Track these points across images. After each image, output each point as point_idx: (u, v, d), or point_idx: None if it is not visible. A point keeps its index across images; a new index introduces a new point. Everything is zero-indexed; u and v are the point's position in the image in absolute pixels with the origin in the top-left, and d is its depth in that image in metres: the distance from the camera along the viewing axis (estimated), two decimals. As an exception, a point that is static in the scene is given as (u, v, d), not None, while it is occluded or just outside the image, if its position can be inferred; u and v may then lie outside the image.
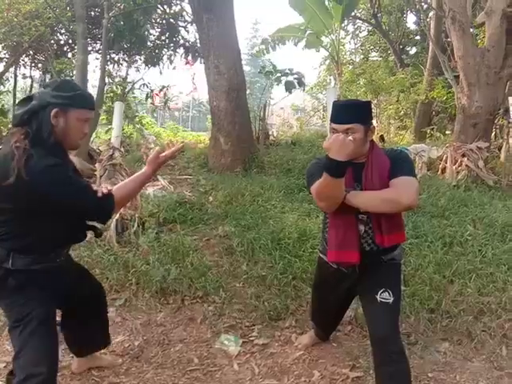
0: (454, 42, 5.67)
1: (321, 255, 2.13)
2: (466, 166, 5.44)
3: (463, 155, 5.53)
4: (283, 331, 2.67)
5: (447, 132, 10.83)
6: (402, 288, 2.93)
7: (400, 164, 1.82)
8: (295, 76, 6.75)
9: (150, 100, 10.31)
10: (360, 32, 16.79)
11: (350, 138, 1.66)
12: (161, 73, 9.30)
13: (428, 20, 10.79)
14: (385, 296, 1.85)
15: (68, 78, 8.03)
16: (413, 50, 15.67)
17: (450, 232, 3.81)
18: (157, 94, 10.24)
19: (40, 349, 1.64)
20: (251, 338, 2.60)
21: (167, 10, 8.37)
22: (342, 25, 12.15)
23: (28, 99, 1.67)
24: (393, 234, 1.84)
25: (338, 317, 2.40)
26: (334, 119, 1.84)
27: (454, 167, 5.55)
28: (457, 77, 7.29)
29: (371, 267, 1.92)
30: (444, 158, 5.81)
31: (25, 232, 1.63)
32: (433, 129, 10.97)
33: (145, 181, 1.85)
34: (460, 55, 5.60)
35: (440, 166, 5.90)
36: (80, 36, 5.40)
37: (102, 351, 2.32)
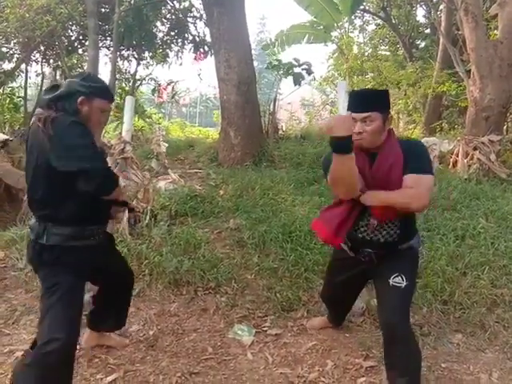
0: (466, 35, 5.60)
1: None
2: (478, 159, 5.39)
3: (475, 148, 5.48)
4: (296, 322, 2.69)
5: (456, 126, 10.72)
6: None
7: (415, 158, 1.78)
8: (303, 67, 6.71)
9: (156, 94, 10.35)
10: (367, 25, 16.66)
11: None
12: (169, 68, 9.32)
13: (438, 13, 10.66)
14: (398, 280, 1.86)
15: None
16: (422, 44, 15.51)
17: (462, 225, 3.79)
18: (164, 89, 10.27)
19: (62, 316, 1.73)
20: (264, 329, 2.62)
21: (176, 6, 8.37)
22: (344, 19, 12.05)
23: (56, 86, 1.84)
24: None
25: (349, 301, 2.42)
26: (352, 108, 1.83)
27: (465, 160, 5.51)
28: (468, 70, 7.22)
29: (388, 255, 1.94)
30: (455, 152, 5.76)
31: (57, 202, 1.75)
32: (442, 123, 10.87)
33: None
34: (472, 47, 5.53)
35: (451, 159, 5.85)
36: (91, 31, 5.44)
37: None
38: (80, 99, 1.76)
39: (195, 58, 9.56)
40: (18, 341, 2.45)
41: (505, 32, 5.42)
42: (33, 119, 1.80)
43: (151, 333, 2.58)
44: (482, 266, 3.13)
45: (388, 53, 15.45)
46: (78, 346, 2.25)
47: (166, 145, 5.59)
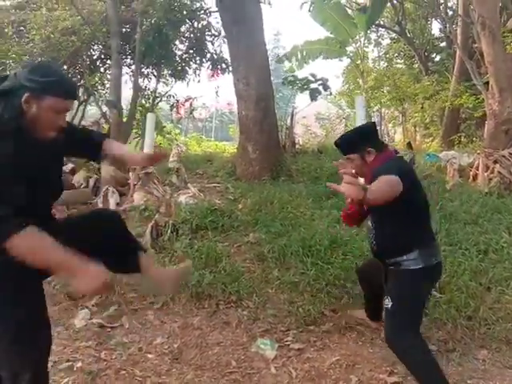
0: (484, 48, 5.61)
1: None
2: (499, 172, 5.34)
3: (495, 162, 5.43)
4: (319, 336, 2.69)
5: (474, 139, 10.59)
6: (438, 295, 2.94)
7: (377, 171, 1.96)
8: (319, 82, 6.80)
9: (174, 110, 10.58)
10: (382, 40, 16.76)
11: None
12: (187, 85, 9.54)
13: (454, 27, 10.68)
14: (386, 302, 2.08)
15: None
16: (438, 57, 15.48)
17: (485, 239, 3.76)
18: (182, 105, 10.50)
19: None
20: (287, 343, 2.63)
21: (195, 25, 8.60)
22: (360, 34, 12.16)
23: (1, 79, 1.49)
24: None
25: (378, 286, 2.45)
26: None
27: (485, 174, 5.45)
28: (486, 83, 7.19)
29: (384, 264, 2.19)
30: (475, 165, 5.72)
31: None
32: (460, 136, 10.78)
33: None
34: (490, 61, 5.53)
35: (471, 173, 5.80)
36: (114, 50, 5.64)
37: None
38: (25, 97, 1.40)
39: (212, 75, 9.77)
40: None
41: (523, 45, 5.42)
42: None
43: (175, 346, 2.62)
44: (507, 281, 3.10)
45: (403, 66, 15.48)
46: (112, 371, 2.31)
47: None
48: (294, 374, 2.34)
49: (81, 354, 2.45)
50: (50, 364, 2.35)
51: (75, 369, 2.32)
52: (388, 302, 2.05)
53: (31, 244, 1.34)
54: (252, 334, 2.73)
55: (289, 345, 2.61)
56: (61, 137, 1.57)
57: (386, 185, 1.79)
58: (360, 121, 5.29)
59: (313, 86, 6.68)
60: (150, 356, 2.50)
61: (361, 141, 2.17)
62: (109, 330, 2.79)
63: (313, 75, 6.71)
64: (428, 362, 1.97)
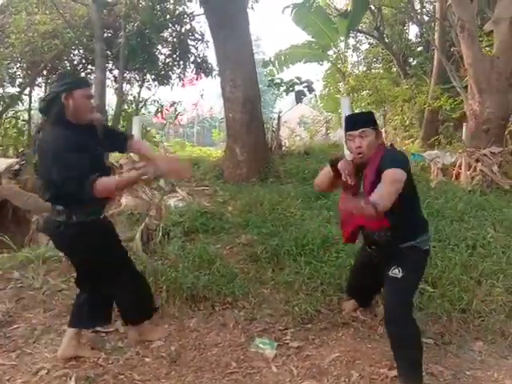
0: (463, 51, 5.78)
1: None
2: (481, 170, 5.49)
3: (477, 160, 5.58)
4: (316, 334, 2.69)
5: (453, 140, 10.84)
6: (430, 289, 2.99)
7: (385, 159, 2.08)
8: (304, 84, 6.86)
9: (160, 115, 10.50)
10: (361, 45, 17.07)
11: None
12: (171, 90, 9.49)
13: (432, 32, 10.98)
14: (395, 272, 2.13)
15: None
16: (415, 62, 15.85)
17: (472, 235, 3.84)
18: (167, 109, 10.42)
19: None
20: (286, 341, 2.62)
21: (178, 29, 8.58)
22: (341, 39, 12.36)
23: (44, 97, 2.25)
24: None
25: (368, 287, 2.65)
26: (349, 128, 2.20)
27: (468, 172, 5.59)
28: (465, 86, 7.40)
29: (390, 253, 2.19)
30: (458, 164, 5.86)
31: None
32: (439, 137, 11.04)
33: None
34: (470, 62, 5.69)
35: (454, 171, 5.94)
36: (98, 54, 5.56)
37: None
38: (63, 96, 2.05)
39: (191, 81, 9.70)
40: (41, 359, 2.44)
41: (501, 48, 5.60)
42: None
43: (173, 348, 2.57)
44: (496, 274, 3.17)
45: (381, 71, 15.77)
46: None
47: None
48: (296, 372, 2.33)
49: (76, 361, 2.38)
50: (44, 372, 2.32)
51: (72, 375, 2.25)
52: (398, 272, 2.12)
53: (106, 183, 2.03)
54: (250, 334, 2.71)
55: (288, 343, 2.60)
56: (96, 130, 2.22)
57: (391, 186, 1.94)
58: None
59: (298, 88, 6.74)
60: (147, 360, 2.46)
61: (376, 120, 2.27)
62: (103, 334, 2.72)
63: (298, 78, 6.77)
64: (418, 337, 2.13)
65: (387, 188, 1.93)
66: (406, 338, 2.10)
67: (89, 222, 2.18)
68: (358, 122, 2.20)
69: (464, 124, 10.52)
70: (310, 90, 6.77)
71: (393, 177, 1.96)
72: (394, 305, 2.13)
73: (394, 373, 2.29)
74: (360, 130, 2.13)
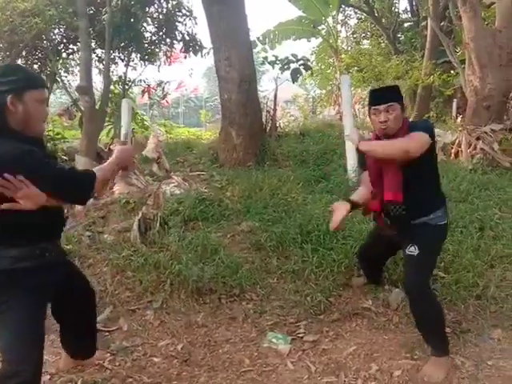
0: (465, 24, 5.58)
1: None
2: (481, 149, 5.40)
3: (478, 138, 5.48)
4: (330, 326, 2.60)
5: (444, 116, 10.75)
6: (443, 275, 2.91)
7: (415, 126, 2.18)
8: (300, 62, 6.62)
9: (146, 96, 10.14)
10: (349, 20, 16.70)
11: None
12: (158, 69, 9.11)
13: (425, 4, 10.72)
14: (411, 250, 2.16)
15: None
16: (405, 36, 15.58)
17: (479, 216, 3.77)
18: (154, 89, 10.05)
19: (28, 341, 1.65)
20: (299, 335, 2.52)
21: (164, 4, 8.17)
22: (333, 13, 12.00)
23: None
24: (391, 192, 2.16)
25: (378, 258, 2.76)
26: (375, 102, 2.17)
27: (468, 151, 5.50)
28: (461, 60, 7.25)
29: (406, 229, 2.21)
30: (457, 142, 5.76)
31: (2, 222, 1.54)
32: (430, 113, 10.94)
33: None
34: (471, 37, 5.52)
35: (453, 150, 5.85)
36: (83, 32, 5.22)
37: None
38: (9, 99, 1.48)
39: (185, 57, 9.30)
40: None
41: (503, 21, 5.43)
42: None
43: (181, 346, 2.46)
44: (508, 257, 3.10)
45: (370, 47, 15.48)
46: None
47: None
48: (313, 369, 2.23)
49: (81, 364, 2.24)
50: (47, 377, 2.18)
51: (78, 381, 2.12)
52: (414, 250, 2.14)
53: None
54: (261, 328, 2.61)
55: (302, 337, 2.50)
56: (44, 145, 1.77)
57: (420, 136, 2.05)
58: (346, 100, 5.19)
59: (293, 66, 6.49)
60: (156, 360, 2.34)
61: (401, 94, 2.27)
62: (106, 333, 2.59)
63: (294, 55, 6.51)
64: (440, 308, 2.20)
65: (416, 135, 2.04)
66: (430, 314, 2.14)
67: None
68: (384, 96, 2.20)
69: (454, 100, 10.51)
70: (307, 67, 6.53)
71: (419, 134, 2.05)
72: (413, 285, 2.15)
73: (414, 363, 2.23)
74: (387, 105, 2.12)
